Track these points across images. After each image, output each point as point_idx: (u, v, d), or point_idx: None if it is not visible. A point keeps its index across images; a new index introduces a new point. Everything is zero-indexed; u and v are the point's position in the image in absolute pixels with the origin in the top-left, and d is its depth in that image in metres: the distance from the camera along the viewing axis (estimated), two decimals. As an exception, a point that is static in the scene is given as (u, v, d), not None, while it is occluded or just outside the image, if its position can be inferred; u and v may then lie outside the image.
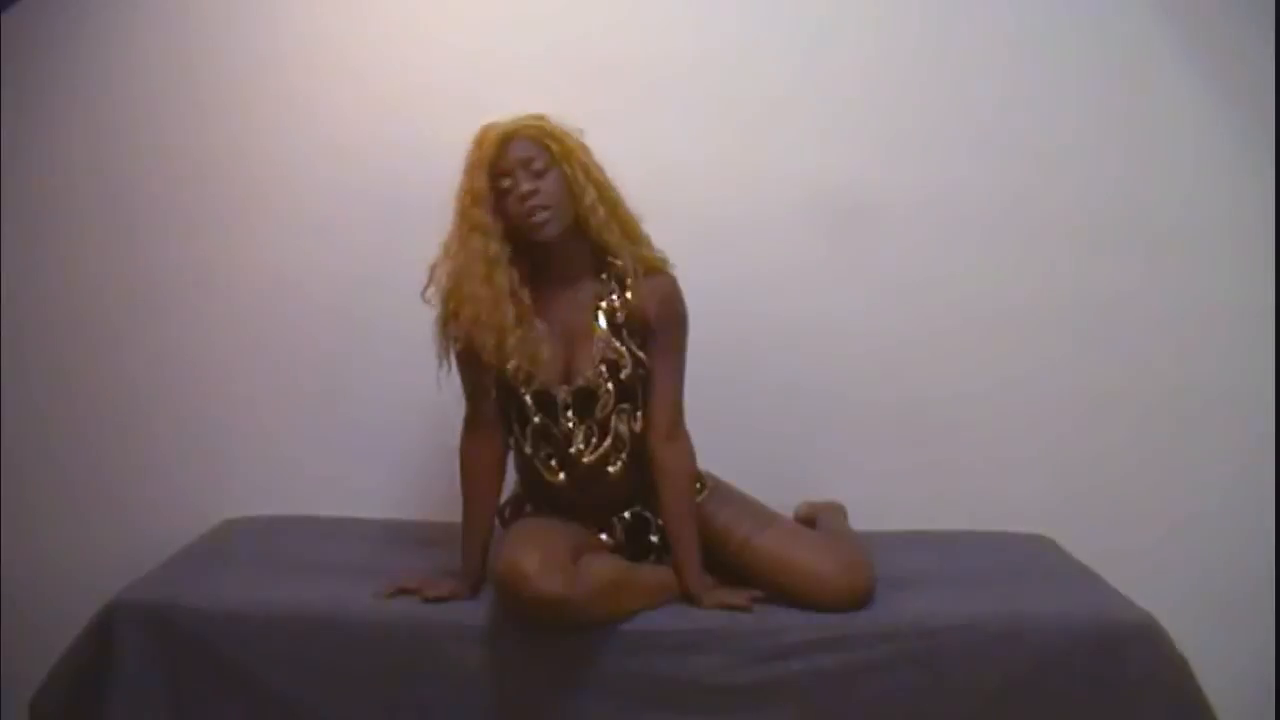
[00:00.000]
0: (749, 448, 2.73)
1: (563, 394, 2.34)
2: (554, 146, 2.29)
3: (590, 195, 2.30)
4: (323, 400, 2.91)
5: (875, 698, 2.20)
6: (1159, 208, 2.84)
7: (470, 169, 2.29)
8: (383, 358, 2.86)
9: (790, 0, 2.83)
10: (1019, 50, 2.82)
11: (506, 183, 2.27)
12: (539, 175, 2.27)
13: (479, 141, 2.29)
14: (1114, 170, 2.84)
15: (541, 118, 2.32)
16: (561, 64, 2.78)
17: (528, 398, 2.33)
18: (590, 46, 2.80)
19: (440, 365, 2.35)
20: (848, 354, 2.87)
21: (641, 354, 2.35)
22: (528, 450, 2.36)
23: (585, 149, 2.32)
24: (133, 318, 2.89)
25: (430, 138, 2.79)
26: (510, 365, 2.31)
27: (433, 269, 2.33)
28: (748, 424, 2.82)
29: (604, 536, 2.40)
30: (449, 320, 2.31)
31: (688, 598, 2.31)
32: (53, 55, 2.81)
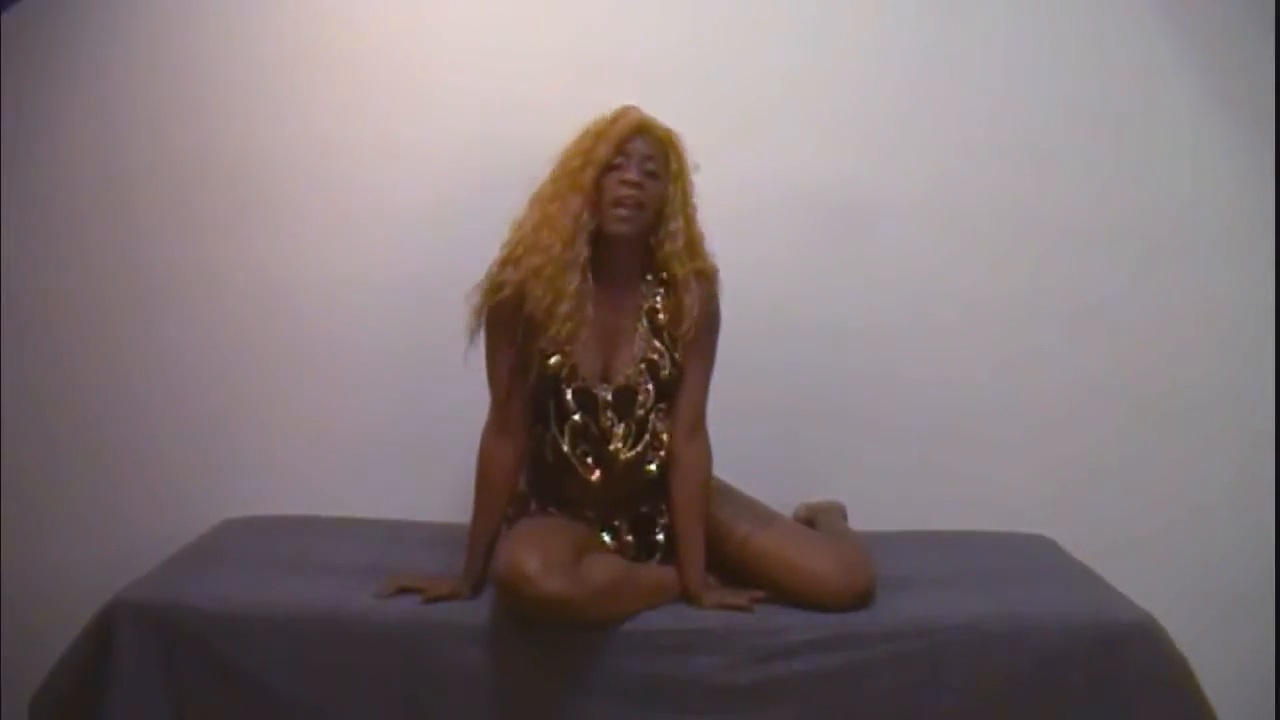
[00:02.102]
0: (748, 447, 2.73)
1: (603, 392, 2.35)
2: (674, 163, 2.34)
3: (676, 224, 2.34)
4: (323, 400, 2.91)
5: (875, 698, 2.20)
6: (1158, 207, 2.84)
7: (596, 134, 2.30)
8: (383, 358, 2.86)
9: (787, -2, 2.84)
10: (1016, 48, 2.82)
11: (619, 160, 2.29)
12: (650, 175, 2.30)
13: (616, 116, 2.32)
14: (1112, 169, 2.84)
15: (673, 130, 2.35)
16: (559, 63, 2.78)
17: (569, 395, 2.34)
18: (586, 44, 2.80)
19: (469, 340, 2.32)
20: (846, 353, 2.87)
21: (678, 356, 2.38)
22: (565, 448, 2.36)
23: (691, 182, 2.36)
24: (133, 317, 2.88)
25: (431, 137, 2.81)
26: (554, 360, 2.31)
27: (519, 221, 2.33)
28: (746, 423, 2.80)
29: (606, 538, 2.40)
30: (505, 270, 2.29)
31: (688, 597, 2.32)
32: (53, 55, 2.81)
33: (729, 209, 2.80)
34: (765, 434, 2.85)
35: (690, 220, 2.37)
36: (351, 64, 2.83)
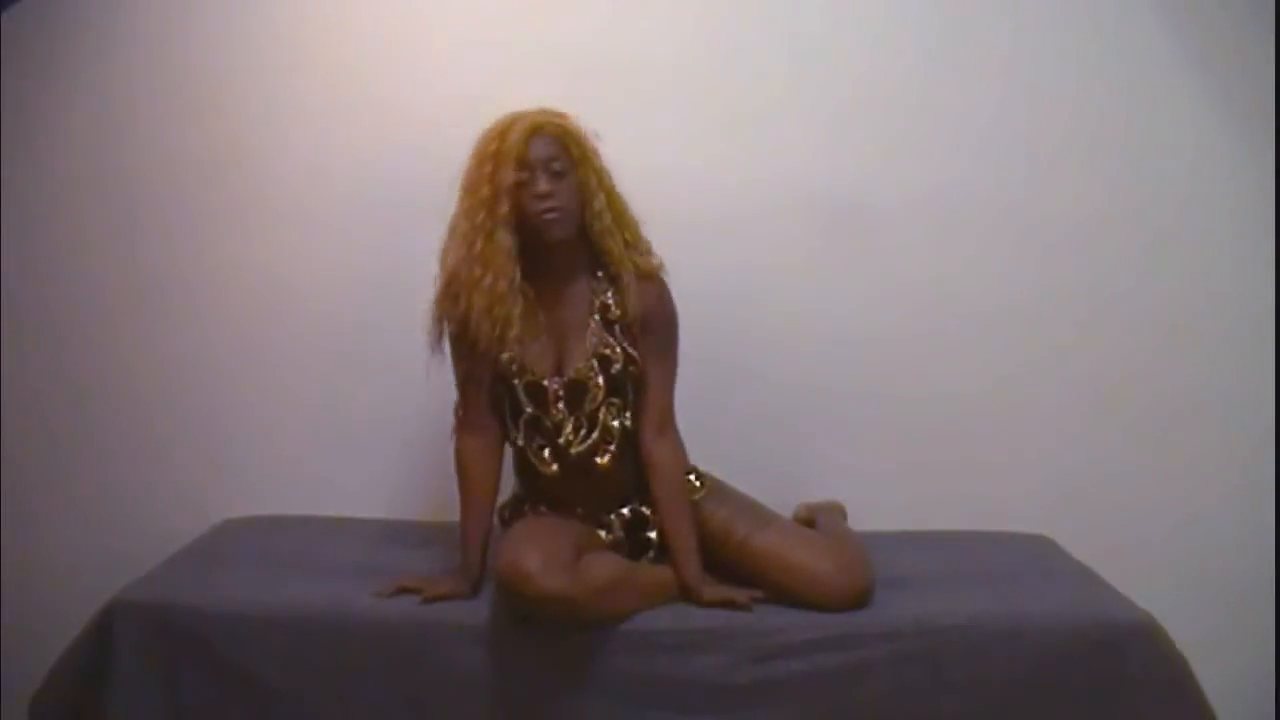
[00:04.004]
0: (748, 448, 2.73)
1: (554, 386, 2.35)
2: (574, 150, 2.30)
3: (600, 202, 2.32)
4: (322, 400, 2.91)
5: (875, 698, 2.20)
6: (1158, 207, 2.84)
7: (492, 157, 2.27)
8: (382, 358, 2.86)
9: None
10: (1017, 49, 2.82)
11: (525, 175, 2.26)
12: (558, 176, 2.28)
13: (503, 132, 2.28)
14: (1113, 169, 2.83)
15: (564, 116, 2.32)
16: (558, 62, 2.78)
17: (520, 389, 2.34)
18: (586, 45, 2.80)
19: (431, 353, 2.35)
20: (846, 354, 2.87)
21: (633, 352, 2.37)
22: (520, 441, 2.38)
23: (598, 153, 2.33)
24: (133, 317, 2.88)
25: (429, 137, 2.79)
26: (505, 356, 2.32)
27: (445, 253, 2.33)
28: (747, 424, 2.82)
29: (603, 534, 2.41)
30: (448, 303, 2.32)
31: (687, 592, 2.31)
32: (53, 55, 2.81)
33: (730, 211, 2.81)
34: (766, 434, 2.85)
35: (612, 194, 2.34)
36: (351, 64, 2.83)
